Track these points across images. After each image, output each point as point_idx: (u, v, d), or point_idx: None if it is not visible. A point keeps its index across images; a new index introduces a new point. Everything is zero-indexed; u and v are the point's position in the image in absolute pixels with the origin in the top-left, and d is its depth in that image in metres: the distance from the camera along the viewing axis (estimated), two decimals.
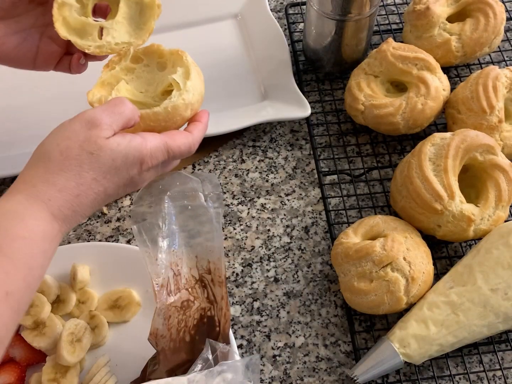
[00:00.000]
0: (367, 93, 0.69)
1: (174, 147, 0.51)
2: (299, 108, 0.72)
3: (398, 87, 0.72)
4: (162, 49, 0.56)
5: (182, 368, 0.51)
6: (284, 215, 0.68)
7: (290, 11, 0.85)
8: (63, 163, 0.45)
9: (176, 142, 0.51)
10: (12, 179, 0.71)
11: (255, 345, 0.59)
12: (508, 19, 0.83)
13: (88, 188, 0.46)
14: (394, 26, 0.84)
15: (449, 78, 0.74)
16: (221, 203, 0.56)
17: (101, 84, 0.55)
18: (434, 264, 0.59)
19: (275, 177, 0.71)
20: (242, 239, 0.66)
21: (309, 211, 0.68)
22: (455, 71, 0.79)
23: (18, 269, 0.41)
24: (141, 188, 0.54)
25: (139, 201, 0.54)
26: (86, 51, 0.56)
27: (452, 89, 0.70)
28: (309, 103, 0.72)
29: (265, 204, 0.69)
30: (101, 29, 0.56)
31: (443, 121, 0.73)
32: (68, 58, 0.60)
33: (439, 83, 0.68)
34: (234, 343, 0.54)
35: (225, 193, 0.69)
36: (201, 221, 0.54)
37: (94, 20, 0.56)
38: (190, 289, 0.53)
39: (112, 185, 0.48)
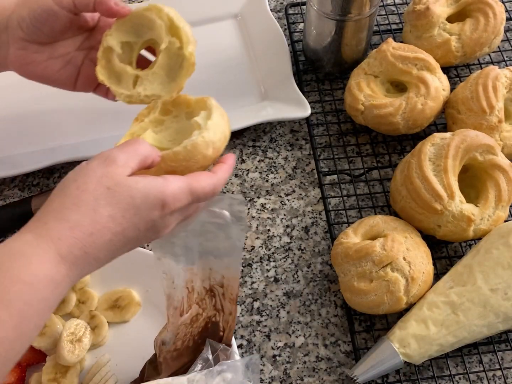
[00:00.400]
0: (367, 93, 0.69)
1: (198, 188, 0.47)
2: (299, 108, 0.72)
3: (398, 87, 0.72)
4: (189, 98, 0.55)
5: (182, 369, 0.51)
6: (284, 215, 0.68)
7: (290, 11, 0.85)
8: (78, 198, 0.42)
9: (200, 183, 0.47)
10: (12, 179, 0.71)
11: (255, 345, 0.59)
12: (508, 19, 0.83)
13: (103, 226, 0.42)
14: (394, 26, 0.84)
15: (449, 78, 0.74)
16: (246, 223, 0.54)
17: (130, 136, 0.53)
18: (434, 264, 0.59)
19: (275, 177, 0.71)
20: None
21: (309, 211, 0.68)
22: (455, 71, 0.79)
23: (11, 316, 0.38)
24: (165, 234, 0.48)
25: None
26: (117, 98, 0.56)
27: (452, 89, 0.70)
28: (309, 103, 0.72)
29: (265, 204, 0.69)
30: (137, 78, 0.56)
31: (443, 121, 0.73)
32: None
33: (439, 83, 0.68)
34: (234, 343, 0.54)
35: (224, 193, 0.69)
36: (223, 239, 0.52)
37: (136, 67, 0.57)
38: (200, 302, 0.52)
39: (132, 227, 0.44)
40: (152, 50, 0.60)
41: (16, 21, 0.54)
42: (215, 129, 0.51)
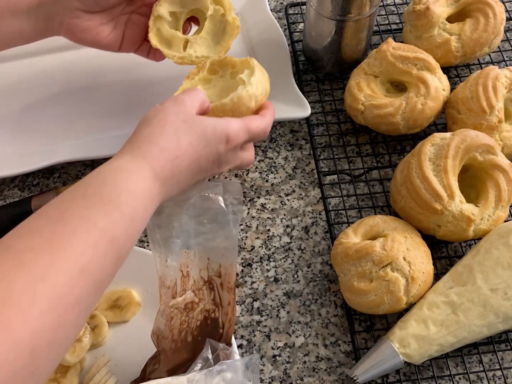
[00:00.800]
0: (367, 93, 0.69)
1: (253, 127, 0.56)
2: (299, 108, 0.72)
3: (398, 87, 0.72)
4: (234, 60, 0.64)
5: (183, 368, 0.51)
6: (284, 215, 0.68)
7: (290, 11, 0.85)
8: (163, 127, 0.50)
9: (254, 123, 0.57)
10: (12, 179, 0.71)
11: (255, 345, 0.59)
12: (508, 19, 0.83)
13: (185, 151, 0.50)
14: (394, 26, 0.84)
15: (449, 78, 0.74)
16: (241, 209, 0.55)
17: (182, 91, 0.60)
18: (434, 264, 0.59)
19: (275, 177, 0.71)
20: (242, 239, 0.66)
21: (309, 211, 0.68)
22: (455, 71, 0.79)
23: (123, 219, 0.44)
24: (224, 171, 0.58)
25: None
26: (171, 60, 0.65)
27: (452, 89, 0.70)
28: (309, 103, 0.72)
29: (265, 204, 0.69)
30: (186, 42, 0.66)
31: (443, 121, 0.73)
32: (148, 44, 0.67)
33: (439, 83, 0.68)
34: (234, 342, 0.54)
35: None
36: (218, 225, 0.53)
37: (183, 34, 0.67)
38: (196, 291, 0.53)
39: (204, 156, 0.52)
40: (194, 20, 0.69)
41: None
42: (257, 84, 0.59)
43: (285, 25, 0.84)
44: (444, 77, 0.69)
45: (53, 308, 0.37)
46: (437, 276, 0.60)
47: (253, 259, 0.65)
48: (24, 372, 0.36)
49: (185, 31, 0.68)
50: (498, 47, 0.79)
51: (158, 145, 0.49)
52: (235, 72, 0.64)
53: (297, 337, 0.60)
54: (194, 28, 0.70)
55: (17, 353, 0.35)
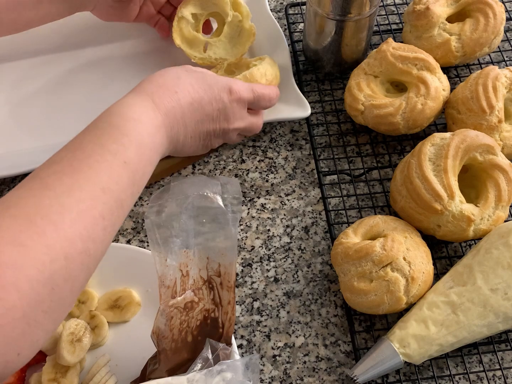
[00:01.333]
0: (367, 93, 0.69)
1: (258, 88, 0.62)
2: (299, 108, 0.71)
3: (398, 87, 0.72)
4: (249, 60, 0.72)
5: (183, 368, 0.51)
6: (284, 215, 0.68)
7: (290, 11, 0.85)
8: (163, 74, 0.57)
9: (258, 85, 0.63)
10: (12, 179, 0.71)
11: (255, 345, 0.59)
12: (508, 19, 0.83)
13: (185, 88, 0.55)
14: (394, 26, 0.84)
15: (449, 78, 0.74)
16: (240, 209, 0.56)
17: None
18: (434, 264, 0.60)
19: (275, 177, 0.71)
20: (242, 239, 0.66)
21: (309, 211, 0.68)
22: (455, 71, 0.79)
23: (132, 143, 0.48)
24: (234, 128, 0.62)
25: (156, 200, 0.54)
26: (192, 60, 0.73)
27: (452, 89, 0.71)
28: (309, 103, 0.72)
29: (265, 204, 0.69)
30: (206, 44, 0.74)
31: (443, 121, 0.73)
32: (158, 16, 0.78)
33: (439, 83, 0.68)
34: (234, 342, 0.54)
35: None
36: (218, 225, 0.54)
37: (203, 35, 0.74)
38: (196, 290, 0.53)
39: (206, 99, 0.57)
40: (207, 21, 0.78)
41: None
42: (267, 66, 0.69)
43: (285, 25, 0.84)
44: (444, 77, 0.69)
45: (81, 219, 0.41)
46: (437, 276, 0.60)
47: (253, 259, 0.65)
48: (60, 275, 0.39)
49: (204, 32, 0.77)
50: (498, 47, 0.79)
51: (157, 82, 0.55)
52: None
53: (297, 337, 0.60)
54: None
55: (53, 257, 0.38)
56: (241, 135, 0.68)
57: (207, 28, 0.78)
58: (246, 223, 0.67)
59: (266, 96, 0.63)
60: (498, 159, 0.60)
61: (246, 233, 0.66)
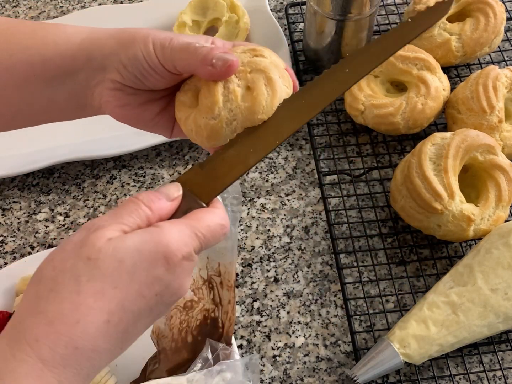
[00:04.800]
0: (367, 93, 0.69)
1: (202, 226, 0.38)
2: None
3: (398, 87, 0.72)
4: None
5: (183, 368, 0.51)
6: (284, 215, 0.68)
7: (290, 11, 0.85)
8: (55, 281, 0.34)
9: (201, 221, 0.38)
10: (12, 179, 0.71)
11: (255, 345, 0.59)
12: (508, 19, 0.83)
13: (91, 308, 0.34)
14: (394, 26, 0.83)
15: (449, 78, 0.74)
16: (240, 209, 0.55)
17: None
18: (434, 264, 0.59)
19: (275, 177, 0.71)
20: (242, 239, 0.66)
21: (309, 211, 0.68)
22: (455, 71, 0.79)
23: None
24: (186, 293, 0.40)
25: None
26: None
27: (452, 89, 0.70)
28: None
29: (265, 204, 0.69)
30: None
31: (443, 121, 0.73)
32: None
33: (439, 83, 0.68)
34: (234, 342, 0.54)
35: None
36: None
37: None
38: (196, 290, 0.53)
39: (131, 297, 0.35)
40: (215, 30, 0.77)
41: (116, 65, 0.44)
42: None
43: (285, 25, 0.84)
44: (444, 77, 0.69)
45: None
46: (437, 276, 0.60)
47: (253, 259, 0.65)
48: None
49: None
50: (499, 47, 0.79)
51: (46, 315, 0.33)
52: None
53: (297, 337, 0.60)
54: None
55: None
56: None
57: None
58: (246, 223, 0.67)
59: (217, 231, 0.39)
60: (499, 159, 0.60)
61: (246, 233, 0.66)
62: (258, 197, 0.69)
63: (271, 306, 0.62)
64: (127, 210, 0.37)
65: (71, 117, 0.51)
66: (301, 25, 0.84)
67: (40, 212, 0.68)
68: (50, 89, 0.47)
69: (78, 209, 0.68)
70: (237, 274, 0.64)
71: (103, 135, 0.72)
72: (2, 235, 0.67)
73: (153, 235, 0.35)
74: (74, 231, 0.67)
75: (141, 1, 0.86)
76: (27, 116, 0.50)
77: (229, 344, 0.52)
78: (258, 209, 0.68)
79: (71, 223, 0.68)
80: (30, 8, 0.86)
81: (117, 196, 0.69)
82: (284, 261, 0.64)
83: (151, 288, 0.35)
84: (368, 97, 0.68)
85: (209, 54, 0.41)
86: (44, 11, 0.86)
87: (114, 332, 0.35)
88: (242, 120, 0.40)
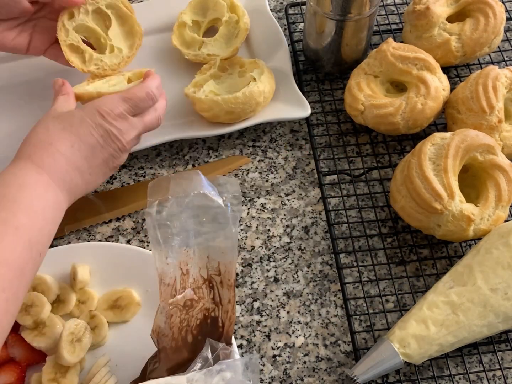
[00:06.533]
0: (367, 93, 0.69)
1: (130, 94, 0.58)
2: (299, 108, 0.71)
3: (398, 87, 0.72)
4: (243, 60, 0.74)
5: (183, 367, 0.51)
6: (284, 215, 0.68)
7: (290, 11, 0.85)
8: (34, 131, 0.56)
9: (130, 91, 0.59)
10: None
11: (255, 345, 0.59)
12: (508, 19, 0.83)
13: (58, 137, 0.54)
14: (394, 26, 0.84)
15: (449, 78, 0.74)
16: (240, 207, 0.55)
17: (194, 85, 0.71)
18: (434, 264, 0.59)
19: (275, 177, 0.71)
20: (242, 239, 0.66)
21: (309, 211, 0.68)
22: (455, 71, 0.79)
23: (20, 208, 0.48)
24: (131, 139, 0.60)
25: (155, 195, 0.53)
26: (185, 56, 0.75)
27: (452, 89, 0.70)
28: (309, 103, 0.72)
29: (265, 204, 0.69)
30: (202, 44, 0.75)
31: (443, 121, 0.73)
32: (57, 47, 0.68)
33: (439, 83, 0.68)
34: (234, 342, 0.54)
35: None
36: (218, 225, 0.53)
37: (203, 37, 0.77)
38: (196, 289, 0.53)
39: (84, 134, 0.55)
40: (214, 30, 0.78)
41: None
42: (265, 82, 0.69)
43: (285, 25, 0.84)
44: (444, 77, 0.69)
45: None
46: (437, 276, 0.60)
47: (253, 259, 0.65)
48: None
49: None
50: (498, 47, 0.79)
51: (31, 141, 0.55)
52: (243, 71, 0.73)
53: (297, 337, 0.60)
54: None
55: None
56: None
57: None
58: (246, 223, 0.67)
59: (143, 97, 0.59)
60: (498, 159, 0.60)
61: (246, 233, 0.66)
62: (258, 197, 0.69)
63: (271, 306, 0.62)
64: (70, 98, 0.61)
65: None
66: (301, 25, 0.84)
67: None
68: None
69: None
70: (237, 274, 0.64)
71: None
72: None
73: (95, 100, 0.58)
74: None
75: (141, 1, 0.86)
76: None
77: (229, 343, 0.52)
78: (258, 209, 0.68)
79: None
80: None
81: None
82: (284, 261, 0.65)
83: (96, 129, 0.56)
84: (368, 97, 0.68)
85: None
86: None
87: (78, 155, 0.55)
88: None
